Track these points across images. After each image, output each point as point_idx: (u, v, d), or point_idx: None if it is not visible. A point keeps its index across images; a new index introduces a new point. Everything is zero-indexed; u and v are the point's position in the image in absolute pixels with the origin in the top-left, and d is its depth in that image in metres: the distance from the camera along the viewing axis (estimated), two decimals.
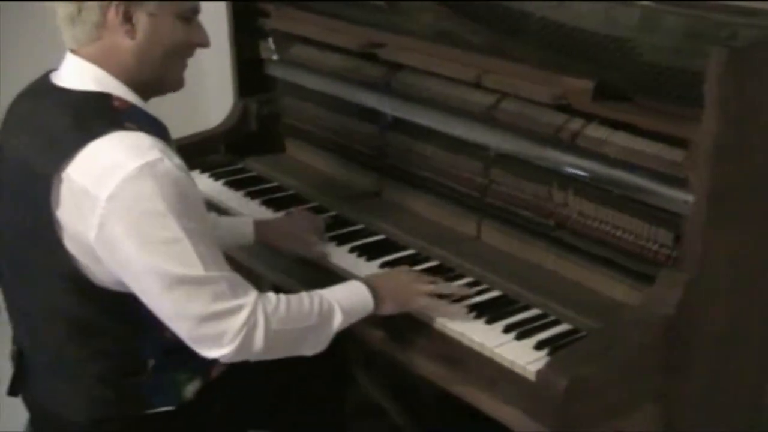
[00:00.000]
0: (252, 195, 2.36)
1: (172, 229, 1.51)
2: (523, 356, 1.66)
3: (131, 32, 1.61)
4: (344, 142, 2.41)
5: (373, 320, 1.79)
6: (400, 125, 2.23)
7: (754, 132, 1.63)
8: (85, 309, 1.61)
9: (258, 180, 2.45)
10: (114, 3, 1.58)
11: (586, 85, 1.80)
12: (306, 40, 2.47)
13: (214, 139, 2.59)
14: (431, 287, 1.80)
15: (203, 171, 2.49)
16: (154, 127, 1.63)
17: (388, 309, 1.76)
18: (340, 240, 2.09)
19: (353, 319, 1.71)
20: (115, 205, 1.50)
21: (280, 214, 2.23)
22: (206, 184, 2.42)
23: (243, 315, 1.55)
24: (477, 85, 2.00)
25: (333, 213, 2.24)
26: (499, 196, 2.03)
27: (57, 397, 1.71)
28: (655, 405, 1.69)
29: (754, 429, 2.01)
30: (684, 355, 1.67)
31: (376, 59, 2.25)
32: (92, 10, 1.59)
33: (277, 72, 2.58)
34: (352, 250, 2.05)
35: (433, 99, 2.12)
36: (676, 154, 1.69)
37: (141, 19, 1.61)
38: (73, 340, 1.63)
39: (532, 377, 1.61)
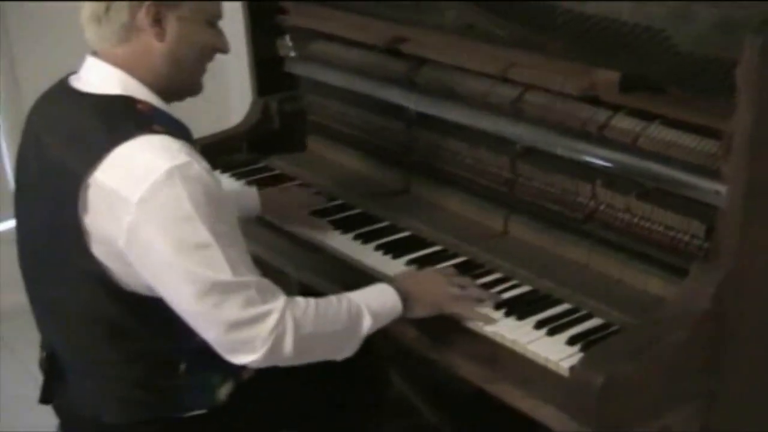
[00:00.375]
0: None
1: (202, 233, 1.50)
2: (556, 352, 1.64)
3: (161, 35, 1.61)
4: (369, 139, 2.39)
5: (404, 319, 1.76)
6: (425, 120, 2.21)
7: None
8: (119, 311, 1.60)
9: (281, 178, 2.43)
10: (145, 3, 1.58)
11: (614, 76, 1.77)
12: (324, 36, 2.45)
13: (235, 139, 2.57)
14: (461, 292, 1.78)
15: (224, 170, 2.47)
16: (179, 130, 1.63)
17: (418, 312, 1.73)
18: (366, 238, 2.07)
19: (382, 323, 1.69)
20: (146, 208, 1.49)
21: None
22: (226, 183, 2.40)
23: (272, 320, 1.54)
24: (503, 79, 1.98)
25: (358, 210, 2.22)
26: (527, 190, 2.01)
27: (91, 400, 1.71)
28: (697, 403, 1.66)
29: None
30: (723, 351, 1.64)
31: (399, 54, 2.22)
32: (122, 10, 1.59)
33: (296, 69, 2.56)
34: (378, 248, 2.03)
35: (458, 93, 2.09)
36: (708, 145, 1.66)
37: (171, 21, 1.61)
38: (109, 343, 1.63)
39: (565, 373, 1.59)
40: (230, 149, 2.56)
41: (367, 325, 1.66)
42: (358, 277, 1.95)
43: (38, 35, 3.05)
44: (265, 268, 2.37)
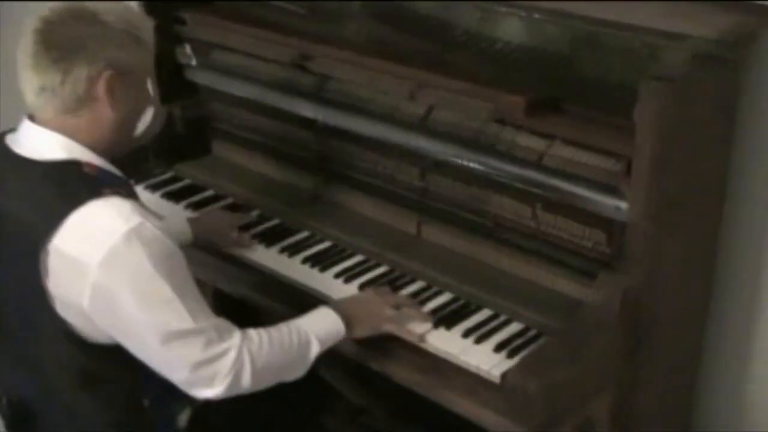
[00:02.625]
0: (193, 207, 2.39)
1: (164, 289, 1.58)
2: (486, 361, 1.79)
3: (114, 104, 1.65)
4: (277, 146, 2.45)
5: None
6: (334, 131, 2.28)
7: (687, 148, 1.79)
8: (87, 361, 1.67)
9: (194, 189, 2.48)
10: (105, 74, 1.61)
11: (519, 100, 1.90)
12: (226, 46, 2.48)
13: (143, 148, 2.56)
14: (396, 313, 1.89)
15: (137, 183, 2.49)
16: (122, 185, 1.69)
17: (358, 333, 1.85)
18: (292, 251, 2.16)
19: (327, 346, 1.80)
20: (107, 272, 1.56)
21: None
22: (143, 196, 2.41)
23: (231, 356, 1.64)
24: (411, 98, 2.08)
25: (277, 221, 2.30)
26: (437, 198, 2.14)
27: None
28: (615, 392, 1.86)
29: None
30: (637, 345, 1.84)
31: (304, 68, 2.29)
32: (78, 82, 1.61)
33: (197, 78, 2.58)
34: (304, 261, 2.13)
35: (366, 108, 2.17)
36: (607, 163, 1.80)
37: (122, 90, 1.65)
38: (80, 389, 1.70)
39: (496, 380, 1.75)
40: (137, 158, 2.56)
41: (315, 350, 1.77)
42: (291, 290, 2.06)
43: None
44: (200, 286, 2.45)
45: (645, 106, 1.65)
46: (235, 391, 1.68)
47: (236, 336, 1.66)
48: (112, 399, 1.73)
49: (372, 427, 2.54)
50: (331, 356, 1.96)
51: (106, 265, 1.55)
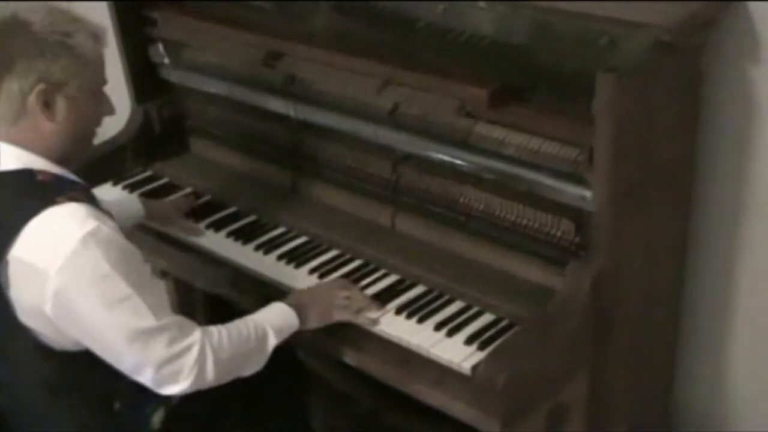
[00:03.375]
0: None
1: (122, 288, 1.61)
2: (457, 353, 1.80)
3: (51, 116, 1.66)
4: (251, 142, 2.46)
5: (320, 328, 1.92)
6: (306, 126, 2.29)
7: (648, 136, 1.79)
8: (54, 369, 1.70)
9: (171, 188, 2.49)
10: (36, 89, 1.62)
11: (483, 93, 1.91)
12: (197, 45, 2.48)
13: (120, 149, 2.59)
14: (347, 302, 1.93)
15: (116, 183, 2.51)
16: (79, 190, 1.70)
17: (312, 323, 1.90)
18: (267, 248, 2.18)
19: (284, 337, 1.85)
20: (66, 277, 1.58)
21: (203, 223, 2.30)
22: (121, 197, 2.44)
23: (194, 352, 1.68)
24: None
25: (253, 217, 2.31)
26: (409, 191, 2.15)
27: None
28: (584, 376, 1.88)
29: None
30: (604, 331, 1.86)
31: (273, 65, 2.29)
32: (11, 96, 1.63)
33: (171, 76, 2.58)
34: (279, 258, 2.14)
35: (336, 103, 2.18)
36: (571, 153, 1.81)
37: (59, 102, 1.66)
38: (49, 397, 1.72)
39: (467, 372, 1.77)
40: (115, 159, 2.58)
41: (272, 342, 1.82)
42: (265, 287, 2.08)
43: None
44: (176, 284, 2.47)
45: (602, 96, 1.65)
46: (200, 385, 1.71)
47: (197, 332, 1.70)
48: (82, 405, 1.75)
49: (356, 413, 2.56)
50: (311, 344, 2.00)
51: (65, 271, 1.57)
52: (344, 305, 1.92)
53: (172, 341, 1.65)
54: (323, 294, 1.96)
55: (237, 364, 1.77)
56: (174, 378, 1.67)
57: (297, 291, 1.99)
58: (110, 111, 1.79)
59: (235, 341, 1.75)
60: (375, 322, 1.91)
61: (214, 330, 1.73)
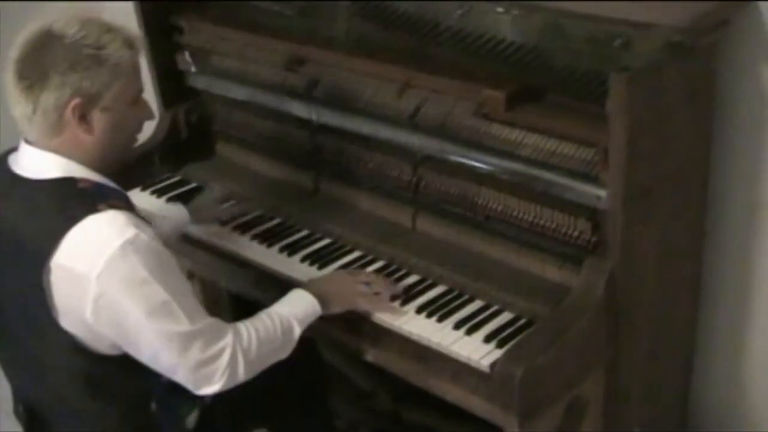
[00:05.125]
0: None
1: (159, 293, 1.65)
2: (476, 351, 1.83)
3: (89, 130, 1.69)
4: (277, 145, 2.50)
5: (340, 324, 1.97)
6: (328, 129, 2.33)
7: (662, 136, 1.81)
8: (92, 368, 1.74)
9: (199, 191, 2.52)
10: (71, 104, 1.65)
11: (500, 95, 1.93)
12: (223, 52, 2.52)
13: (148, 153, 2.64)
14: (367, 288, 1.97)
15: (144, 188, 2.56)
16: (119, 199, 1.74)
17: (334, 309, 1.94)
18: (291, 250, 2.21)
19: (307, 324, 1.89)
20: (106, 283, 1.62)
21: (229, 226, 2.34)
22: (150, 202, 2.49)
23: (227, 354, 1.73)
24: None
25: (278, 220, 2.35)
26: (430, 192, 2.17)
27: None
28: (601, 371, 1.90)
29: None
30: (619, 327, 1.87)
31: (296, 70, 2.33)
32: (48, 112, 1.65)
33: (197, 83, 2.63)
34: (303, 260, 2.18)
35: (357, 106, 2.21)
36: (587, 153, 1.83)
37: (96, 114, 1.68)
38: (86, 395, 1.76)
39: (486, 370, 1.79)
40: (144, 164, 2.63)
41: (297, 332, 1.87)
42: (289, 287, 2.10)
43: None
44: (203, 284, 2.52)
45: (616, 97, 1.67)
46: (233, 384, 1.76)
47: (229, 334, 1.75)
48: (119, 405, 1.79)
49: (378, 410, 2.60)
50: (334, 343, 2.03)
51: (105, 277, 1.62)
52: (366, 292, 1.96)
53: (206, 345, 1.70)
54: (344, 281, 2.01)
55: (266, 358, 1.82)
56: (209, 379, 1.73)
57: (318, 278, 2.04)
58: (150, 116, 1.82)
59: (263, 339, 1.79)
60: (396, 312, 1.94)
61: (244, 331, 1.78)
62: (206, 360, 1.71)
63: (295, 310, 1.88)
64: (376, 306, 1.96)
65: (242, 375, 1.76)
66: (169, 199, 2.49)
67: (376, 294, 1.99)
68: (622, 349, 1.91)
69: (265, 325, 1.82)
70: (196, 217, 2.29)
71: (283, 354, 1.86)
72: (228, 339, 1.74)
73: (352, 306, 1.96)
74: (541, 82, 1.95)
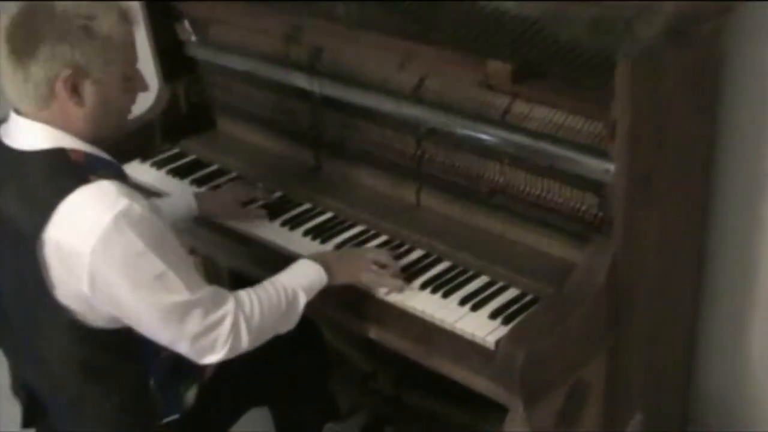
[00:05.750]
0: (197, 182, 2.41)
1: (156, 264, 1.62)
2: (481, 328, 1.80)
3: (80, 102, 1.65)
4: (277, 119, 2.45)
5: (341, 303, 1.93)
6: (330, 102, 2.28)
7: (667, 117, 1.76)
8: (89, 350, 1.71)
9: (198, 165, 2.50)
10: (61, 76, 1.60)
11: (506, 68, 1.89)
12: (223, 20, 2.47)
13: (148, 126, 2.60)
14: (373, 266, 1.94)
15: (144, 160, 2.52)
16: (112, 170, 1.71)
17: (340, 279, 1.90)
18: (293, 224, 2.18)
19: (313, 294, 1.86)
20: (101, 257, 1.59)
21: None
22: (150, 174, 2.46)
23: (228, 322, 1.70)
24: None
25: (279, 194, 2.31)
26: (434, 166, 2.13)
27: (72, 426, 1.81)
28: (603, 354, 1.87)
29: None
30: (621, 310, 1.84)
31: (299, 41, 2.28)
32: (39, 84, 1.61)
33: (198, 53, 2.58)
34: (305, 234, 2.14)
35: (360, 79, 2.17)
36: (595, 126, 1.79)
37: (87, 87, 1.64)
38: (84, 379, 1.73)
39: (491, 347, 1.76)
40: (145, 137, 2.59)
41: (302, 301, 1.83)
42: (289, 262, 2.07)
43: None
44: (203, 260, 2.48)
45: (621, 78, 1.62)
46: (237, 352, 1.74)
47: (230, 302, 1.72)
48: (117, 385, 1.76)
49: (379, 391, 2.57)
50: (335, 322, 2.00)
51: (99, 251, 1.58)
52: (372, 268, 1.93)
53: (206, 313, 1.67)
54: (352, 254, 1.99)
55: (270, 327, 1.79)
56: (211, 348, 1.70)
57: (325, 252, 2.02)
58: (143, 88, 1.77)
59: (266, 306, 1.76)
60: (400, 289, 1.91)
61: (246, 298, 1.75)
62: (207, 328, 1.68)
63: (300, 279, 1.85)
64: (381, 280, 1.93)
65: (246, 343, 1.73)
66: (168, 172, 2.45)
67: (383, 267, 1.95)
68: (623, 334, 1.87)
69: (269, 293, 1.79)
70: (205, 204, 2.22)
71: (289, 323, 1.83)
72: (229, 306, 1.71)
73: (356, 279, 1.93)
74: (548, 56, 1.89)
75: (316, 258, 1.91)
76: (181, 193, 2.29)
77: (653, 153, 1.75)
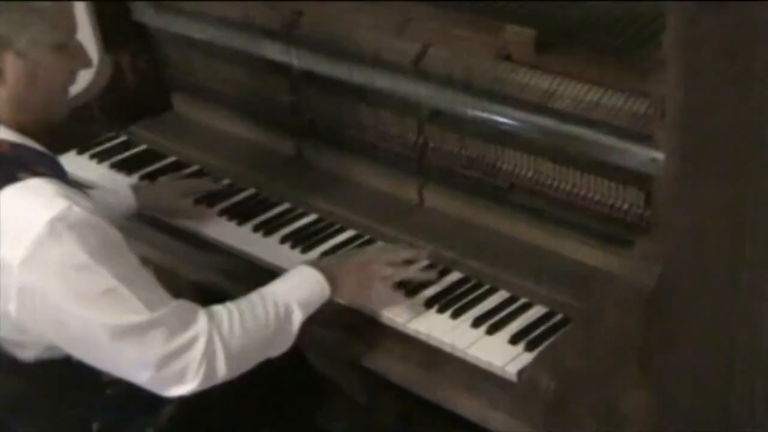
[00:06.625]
0: (150, 178, 2.45)
1: (104, 279, 1.63)
2: (499, 355, 1.83)
3: (0, 79, 1.68)
4: (249, 99, 2.50)
5: (331, 323, 1.96)
6: (312, 78, 2.31)
7: (735, 84, 1.79)
8: (23, 387, 1.74)
9: (151, 156, 2.54)
10: None
11: (528, 33, 1.92)
12: None
13: (86, 107, 2.63)
14: (391, 270, 1.95)
15: (81, 151, 2.56)
16: (45, 164, 1.73)
17: (347, 294, 1.92)
18: (268, 228, 2.22)
19: (312, 310, 1.86)
20: (32, 270, 1.61)
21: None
22: (89, 168, 2.50)
23: (200, 345, 1.71)
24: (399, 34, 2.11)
25: (251, 191, 2.35)
26: (440, 156, 2.17)
27: None
28: (644, 380, 1.90)
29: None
30: (669, 327, 1.87)
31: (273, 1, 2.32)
32: None
33: (148, 19, 2.62)
34: (283, 240, 2.18)
35: (347, 47, 2.20)
36: (639, 105, 1.81)
37: (9, 61, 1.67)
38: (19, 419, 1.77)
39: (513, 378, 1.79)
40: (82, 120, 2.62)
41: (297, 319, 1.83)
42: (265, 275, 2.10)
43: None
44: (158, 272, 2.51)
45: (676, 33, 1.64)
46: (212, 382, 1.74)
47: (201, 319, 1.72)
48: (51, 425, 1.79)
49: (378, 426, 2.60)
50: (323, 345, 2.02)
51: (30, 263, 1.60)
52: (389, 275, 1.95)
53: (171, 334, 1.68)
54: (362, 258, 1.99)
55: (255, 351, 1.80)
56: (180, 377, 1.70)
57: (329, 258, 2.03)
58: (85, 64, 1.81)
59: (250, 325, 1.77)
60: (418, 312, 1.94)
61: (224, 313, 1.76)
62: (172, 353, 1.68)
63: (295, 291, 1.85)
64: (399, 300, 1.94)
65: (223, 371, 1.73)
66: (113, 166, 2.49)
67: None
68: (672, 356, 1.90)
69: (254, 307, 1.80)
70: (145, 198, 2.27)
71: (280, 346, 1.84)
72: (200, 325, 1.71)
73: (367, 291, 1.94)
74: (581, 20, 1.93)
75: (318, 265, 1.92)
76: (115, 186, 2.33)
77: (706, 134, 1.78)
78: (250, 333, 1.77)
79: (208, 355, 1.71)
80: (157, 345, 1.67)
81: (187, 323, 1.70)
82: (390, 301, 1.95)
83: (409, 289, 2.00)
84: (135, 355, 1.67)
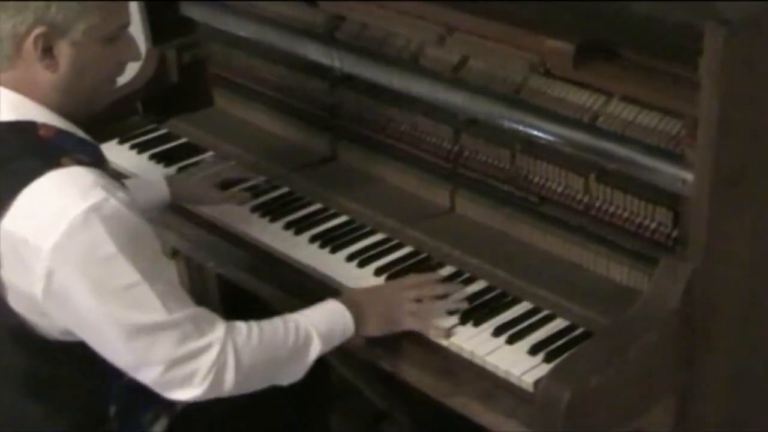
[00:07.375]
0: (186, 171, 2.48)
1: (128, 272, 1.65)
2: (518, 364, 1.83)
3: (53, 66, 1.70)
4: (289, 98, 2.52)
5: None
6: (351, 80, 2.34)
7: (759, 109, 1.79)
8: (39, 364, 1.76)
9: (190, 149, 2.57)
10: (32, 34, 1.66)
11: (567, 47, 1.93)
12: None
13: (129, 98, 2.67)
14: (417, 306, 1.95)
15: (123, 141, 2.59)
16: (88, 153, 1.75)
17: (372, 331, 1.92)
18: (299, 227, 2.23)
19: (332, 345, 1.87)
20: (62, 255, 1.62)
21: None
22: (129, 158, 2.53)
23: (212, 353, 1.71)
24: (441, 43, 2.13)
25: (285, 189, 2.38)
26: (473, 165, 2.18)
27: None
28: (669, 401, 1.90)
29: None
30: (695, 346, 1.87)
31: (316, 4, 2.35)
32: (4, 38, 1.67)
33: (194, 13, 2.66)
34: (313, 240, 2.20)
35: (387, 53, 2.22)
36: (673, 126, 1.83)
37: (63, 50, 1.70)
38: (31, 398, 1.78)
39: (530, 388, 1.80)
40: (124, 112, 2.66)
41: (315, 350, 1.84)
42: (292, 273, 2.14)
43: None
44: (187, 264, 2.54)
45: (712, 55, 1.65)
46: (215, 394, 1.75)
47: (219, 329, 1.73)
48: (68, 407, 1.81)
49: None
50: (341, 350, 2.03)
51: (61, 248, 1.62)
52: (415, 311, 1.94)
53: (184, 339, 1.69)
54: (389, 294, 1.98)
55: (266, 371, 1.81)
56: (184, 382, 1.71)
57: (359, 288, 2.02)
58: (135, 56, 1.84)
59: (266, 344, 1.78)
60: (449, 334, 1.92)
61: (243, 327, 1.76)
62: (183, 358, 1.69)
63: (319, 322, 1.85)
64: (428, 328, 1.93)
65: (230, 384, 1.74)
66: (152, 157, 2.52)
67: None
68: (700, 373, 1.90)
69: (275, 328, 1.80)
70: (177, 198, 2.29)
71: (291, 373, 1.85)
72: (217, 334, 1.72)
73: (394, 327, 1.93)
74: (618, 35, 1.94)
75: (348, 302, 1.91)
76: (149, 176, 2.36)
77: (745, 147, 1.77)
78: (264, 351, 1.78)
79: (219, 364, 1.72)
80: (167, 347, 1.68)
81: (202, 331, 1.71)
82: (422, 328, 1.94)
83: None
84: (144, 354, 1.69)
